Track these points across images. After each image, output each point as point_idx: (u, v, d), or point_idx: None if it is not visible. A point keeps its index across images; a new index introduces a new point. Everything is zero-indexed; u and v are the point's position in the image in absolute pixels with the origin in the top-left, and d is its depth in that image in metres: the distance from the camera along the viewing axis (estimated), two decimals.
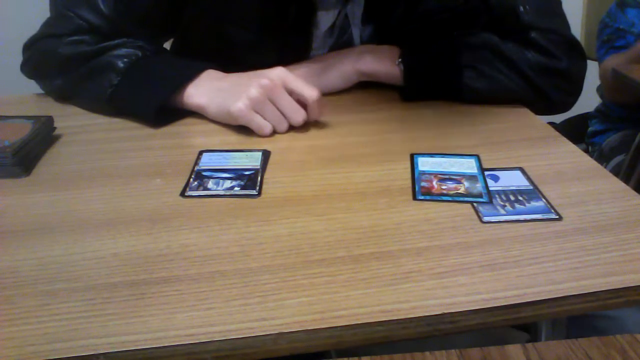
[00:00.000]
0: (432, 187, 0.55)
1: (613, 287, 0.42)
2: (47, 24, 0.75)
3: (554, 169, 0.59)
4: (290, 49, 0.76)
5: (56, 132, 0.67)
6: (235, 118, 0.65)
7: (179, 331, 0.38)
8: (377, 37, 0.80)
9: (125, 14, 0.71)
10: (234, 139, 0.66)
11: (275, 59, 0.73)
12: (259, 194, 0.55)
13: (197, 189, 0.55)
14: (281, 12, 0.72)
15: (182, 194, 0.54)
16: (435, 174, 0.58)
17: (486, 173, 0.58)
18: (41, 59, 0.74)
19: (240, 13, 0.73)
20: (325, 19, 0.76)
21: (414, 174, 0.58)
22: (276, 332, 0.38)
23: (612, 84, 1.10)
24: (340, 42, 0.80)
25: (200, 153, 0.62)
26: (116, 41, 0.71)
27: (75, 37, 0.71)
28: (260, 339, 0.38)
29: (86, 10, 0.71)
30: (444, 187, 0.55)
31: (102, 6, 0.71)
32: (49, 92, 0.77)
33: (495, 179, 0.57)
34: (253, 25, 0.74)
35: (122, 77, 0.69)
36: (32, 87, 0.79)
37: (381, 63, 0.75)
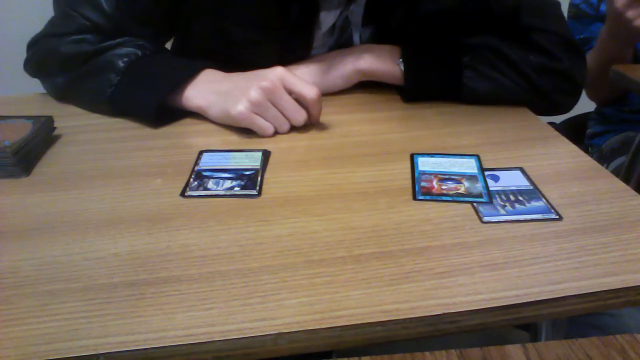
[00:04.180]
0: (432, 187, 0.55)
1: (613, 287, 0.42)
2: (50, 22, 0.75)
3: (554, 169, 0.59)
4: (291, 49, 0.76)
5: (56, 132, 0.67)
6: (237, 121, 0.66)
7: (179, 331, 0.38)
8: (377, 39, 0.80)
9: (128, 13, 0.72)
10: (234, 139, 0.66)
11: (275, 58, 0.73)
12: (259, 194, 0.55)
13: (197, 189, 0.55)
14: (283, 11, 0.72)
15: (182, 194, 0.54)
16: (435, 174, 0.58)
17: (486, 173, 0.58)
18: (43, 57, 0.74)
19: (241, 12, 0.73)
20: (327, 19, 0.76)
21: (414, 174, 0.58)
22: (276, 332, 0.38)
23: (589, 81, 1.10)
24: (340, 42, 0.80)
25: (200, 153, 0.62)
26: (117, 40, 0.71)
27: (78, 36, 0.71)
28: (260, 339, 0.38)
29: (89, 9, 0.71)
30: (444, 187, 0.55)
31: (104, 5, 0.71)
32: (51, 91, 0.77)
33: (495, 179, 0.57)
34: (253, 24, 0.74)
35: (121, 77, 0.69)
36: (32, 87, 0.80)
37: (382, 62, 0.75)
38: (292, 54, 0.76)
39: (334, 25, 0.77)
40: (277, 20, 0.73)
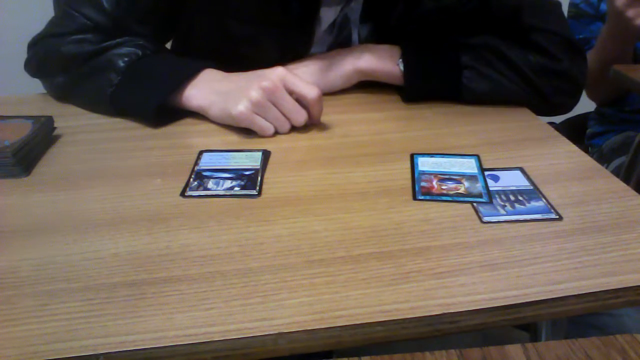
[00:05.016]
0: (432, 187, 0.55)
1: (613, 287, 0.42)
2: (51, 22, 0.76)
3: (554, 169, 0.59)
4: (291, 46, 0.76)
5: (56, 132, 0.67)
6: (238, 121, 0.66)
7: (179, 331, 0.38)
8: (376, 37, 0.80)
9: (128, 11, 0.72)
10: (234, 139, 0.66)
11: (275, 55, 0.73)
12: (259, 194, 0.55)
13: (197, 189, 0.55)
14: (284, 7, 0.72)
15: (182, 194, 0.54)
16: (435, 174, 0.58)
17: (486, 173, 0.58)
18: (44, 57, 0.74)
19: (241, 7, 0.73)
20: (327, 15, 0.76)
21: (414, 174, 0.58)
22: (276, 332, 0.38)
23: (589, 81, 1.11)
24: (339, 40, 0.80)
25: (200, 153, 0.62)
26: (117, 40, 0.71)
27: (79, 36, 0.71)
28: (260, 339, 0.38)
29: (89, 8, 0.71)
30: (444, 187, 0.55)
31: (105, 4, 0.71)
32: (51, 91, 0.77)
33: (495, 179, 0.57)
34: (254, 20, 0.74)
35: (122, 77, 0.69)
36: (32, 87, 0.80)
37: (382, 62, 0.75)
38: (292, 50, 0.76)
39: (333, 23, 0.77)
40: (278, 15, 0.72)
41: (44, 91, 0.79)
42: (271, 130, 0.66)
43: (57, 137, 0.67)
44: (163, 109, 0.69)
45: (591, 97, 1.27)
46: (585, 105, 1.08)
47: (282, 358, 0.39)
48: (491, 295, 0.41)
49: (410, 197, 0.54)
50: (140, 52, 0.70)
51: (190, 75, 0.70)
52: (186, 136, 0.68)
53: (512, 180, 0.57)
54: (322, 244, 0.47)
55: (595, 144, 1.30)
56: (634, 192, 0.54)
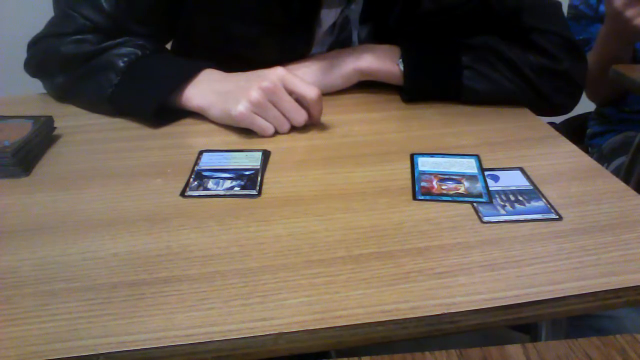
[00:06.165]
0: (432, 187, 0.55)
1: (613, 287, 0.42)
2: (50, 23, 0.76)
3: (554, 169, 0.59)
4: (292, 46, 0.76)
5: (56, 132, 0.67)
6: (237, 121, 0.66)
7: (179, 331, 0.38)
8: (375, 37, 0.80)
9: (128, 12, 0.72)
10: (234, 139, 0.66)
11: (275, 55, 0.73)
12: (259, 194, 0.55)
13: (197, 189, 0.55)
14: (284, 8, 0.72)
15: (182, 194, 0.54)
16: (435, 174, 0.58)
17: (486, 173, 0.58)
18: (44, 57, 0.74)
19: (242, 8, 0.73)
20: (328, 17, 0.76)
21: (414, 174, 0.58)
22: (276, 332, 0.38)
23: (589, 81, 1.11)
24: (339, 40, 0.80)
25: (200, 153, 0.62)
26: (117, 40, 0.71)
27: (78, 36, 0.71)
28: (260, 339, 0.38)
29: (89, 9, 0.71)
30: (444, 187, 0.55)
31: (104, 5, 0.71)
32: (51, 91, 0.77)
33: (495, 179, 0.57)
34: (254, 20, 0.73)
35: (122, 77, 0.69)
36: (32, 87, 0.80)
37: (382, 62, 0.75)
38: (292, 51, 0.76)
39: (334, 24, 0.77)
40: (278, 16, 0.72)
41: (44, 91, 0.79)
42: (271, 130, 0.66)
43: (57, 137, 0.67)
44: (163, 109, 0.69)
45: (591, 97, 1.27)
46: (585, 105, 1.07)
47: (281, 358, 0.39)
48: (491, 295, 0.41)
49: (410, 197, 0.54)
50: (140, 52, 0.70)
51: (190, 75, 0.70)
52: (186, 136, 0.68)
53: (512, 180, 0.57)
54: (322, 244, 0.47)
55: (595, 144, 1.30)
56: (634, 192, 0.54)
